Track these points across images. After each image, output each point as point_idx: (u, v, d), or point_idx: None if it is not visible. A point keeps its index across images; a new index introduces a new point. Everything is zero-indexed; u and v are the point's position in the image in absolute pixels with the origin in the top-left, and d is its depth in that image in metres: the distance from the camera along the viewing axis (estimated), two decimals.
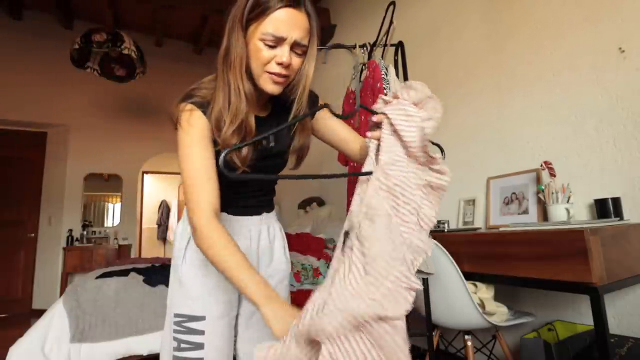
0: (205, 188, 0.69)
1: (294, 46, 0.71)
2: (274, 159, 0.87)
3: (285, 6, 0.68)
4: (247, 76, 0.73)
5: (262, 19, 0.68)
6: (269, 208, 0.96)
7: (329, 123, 0.89)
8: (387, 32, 1.75)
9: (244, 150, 0.76)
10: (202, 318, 0.80)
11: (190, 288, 0.82)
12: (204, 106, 0.74)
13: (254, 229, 0.91)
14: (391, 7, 1.75)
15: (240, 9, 0.70)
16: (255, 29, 0.70)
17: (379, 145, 0.65)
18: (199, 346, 0.79)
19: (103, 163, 4.54)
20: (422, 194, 0.62)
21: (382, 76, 1.59)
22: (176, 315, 0.81)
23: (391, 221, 0.59)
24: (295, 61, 0.73)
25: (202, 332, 0.79)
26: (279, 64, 0.70)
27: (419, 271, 1.49)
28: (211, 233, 0.67)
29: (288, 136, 0.87)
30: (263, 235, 0.92)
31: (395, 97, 0.65)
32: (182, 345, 0.78)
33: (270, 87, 0.73)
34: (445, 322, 1.54)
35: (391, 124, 0.62)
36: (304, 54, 0.75)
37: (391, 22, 1.72)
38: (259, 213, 0.92)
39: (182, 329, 0.80)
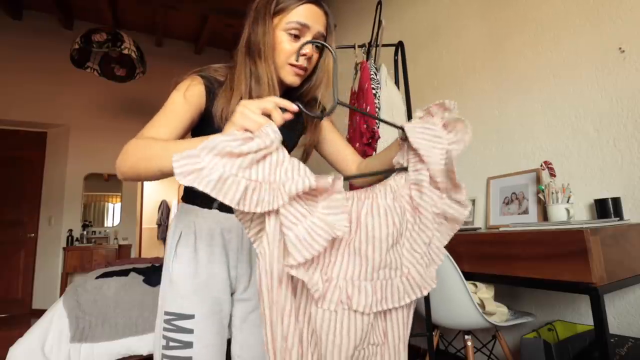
0: (159, 130, 0.68)
1: (315, 39, 0.74)
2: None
3: (308, 2, 0.74)
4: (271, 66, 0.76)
5: (286, 12, 0.73)
6: None
7: (330, 136, 0.91)
8: (377, 32, 1.76)
9: None
10: (192, 316, 0.79)
11: (180, 286, 0.81)
12: (211, 82, 0.77)
13: None
14: (379, 7, 1.75)
15: (266, 4, 0.74)
16: (279, 21, 0.74)
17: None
18: (188, 345, 0.78)
19: (103, 163, 4.54)
20: (436, 224, 0.57)
21: (371, 76, 1.59)
22: (166, 313, 0.80)
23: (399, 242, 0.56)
24: (315, 56, 0.77)
25: (191, 331, 0.78)
26: (303, 54, 0.74)
27: None
28: (139, 140, 0.64)
29: (299, 132, 0.89)
30: None
31: (429, 113, 0.61)
32: (171, 344, 0.78)
33: (291, 78, 0.76)
34: (445, 322, 1.54)
35: (408, 142, 0.59)
36: (319, 50, 0.78)
37: (380, 22, 1.72)
38: None
39: (171, 327, 0.79)
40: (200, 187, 0.45)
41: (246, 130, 0.50)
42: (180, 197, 0.92)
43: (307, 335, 0.52)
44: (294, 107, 0.55)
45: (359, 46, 1.82)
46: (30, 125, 4.30)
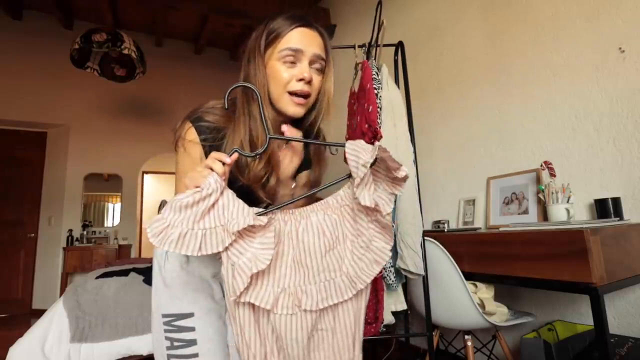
0: None
1: (313, 62, 0.73)
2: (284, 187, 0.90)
3: (299, 26, 0.72)
4: (268, 103, 0.73)
5: (277, 41, 0.72)
6: None
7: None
8: (378, 32, 1.76)
9: (272, 182, 0.77)
10: (191, 315, 0.81)
11: (175, 287, 0.83)
12: (211, 132, 0.74)
13: None
14: (379, 7, 1.75)
15: (257, 39, 0.73)
16: (272, 52, 0.72)
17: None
18: (192, 342, 0.80)
19: (103, 163, 4.54)
20: (375, 227, 0.65)
21: (373, 76, 1.59)
22: (164, 316, 0.82)
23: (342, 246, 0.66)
24: (316, 79, 0.74)
25: (192, 329, 0.81)
26: (301, 79, 0.71)
27: (407, 272, 1.49)
28: None
29: (302, 164, 0.87)
30: None
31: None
32: (175, 344, 0.80)
33: (292, 109, 0.73)
34: (445, 322, 1.54)
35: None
36: (322, 72, 0.76)
37: (381, 22, 1.72)
38: None
39: (172, 328, 0.81)
40: (165, 247, 0.55)
41: (196, 187, 0.59)
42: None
43: (269, 334, 0.66)
44: (227, 159, 0.61)
45: (359, 46, 1.82)
46: (30, 125, 4.30)
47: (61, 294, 2.66)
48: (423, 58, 2.43)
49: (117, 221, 4.71)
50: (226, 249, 0.59)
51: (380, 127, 1.53)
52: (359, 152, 0.61)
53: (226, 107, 0.66)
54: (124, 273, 2.12)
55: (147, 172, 5.90)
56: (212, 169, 0.60)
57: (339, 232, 0.67)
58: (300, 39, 0.71)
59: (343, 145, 0.65)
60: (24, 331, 1.76)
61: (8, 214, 4.15)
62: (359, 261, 0.65)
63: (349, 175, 0.66)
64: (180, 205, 0.57)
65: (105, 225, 4.66)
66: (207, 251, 0.57)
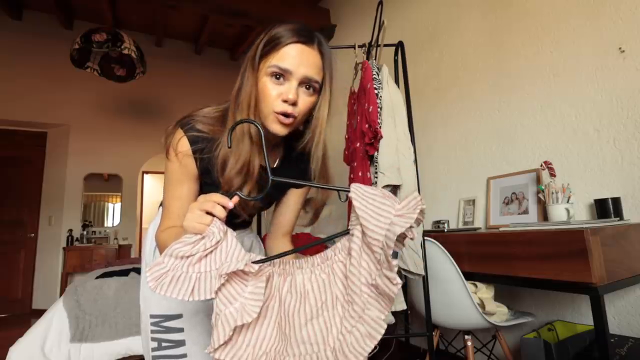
0: (171, 219, 0.74)
1: (303, 83, 0.68)
2: (269, 203, 0.92)
3: (296, 42, 0.66)
4: (256, 117, 0.70)
5: (272, 54, 0.66)
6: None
7: (293, 201, 0.90)
8: (379, 32, 1.76)
9: (251, 202, 0.77)
10: (180, 316, 0.82)
11: None
12: (204, 142, 0.71)
13: (246, 240, 0.98)
14: (380, 7, 1.75)
15: (254, 47, 0.69)
16: (264, 64, 0.67)
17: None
18: (180, 343, 0.81)
19: (103, 163, 4.54)
20: (370, 292, 0.54)
21: (373, 76, 1.59)
22: (152, 317, 0.83)
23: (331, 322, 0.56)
24: (305, 100, 0.69)
25: (181, 330, 0.81)
26: (285, 101, 0.66)
27: (407, 272, 1.49)
28: (160, 237, 0.73)
29: (288, 186, 0.88)
30: (254, 245, 1.00)
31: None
32: (164, 344, 0.81)
33: (276, 127, 0.68)
34: (445, 322, 1.54)
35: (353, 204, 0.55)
36: (316, 94, 0.70)
37: (382, 22, 1.72)
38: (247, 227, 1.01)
39: (160, 329, 0.82)
40: (160, 291, 0.53)
41: (197, 233, 0.55)
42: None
43: None
44: (229, 204, 0.58)
45: (359, 46, 1.82)
46: (30, 125, 4.30)
47: (61, 294, 2.66)
48: (423, 58, 2.43)
49: (117, 221, 4.71)
50: (216, 294, 0.54)
51: (380, 127, 1.53)
52: (388, 206, 0.51)
53: (229, 145, 0.61)
54: (124, 273, 2.12)
55: (147, 172, 5.90)
56: (212, 214, 0.56)
57: (327, 295, 0.57)
58: (294, 57, 0.65)
59: (348, 190, 0.56)
60: (24, 331, 1.76)
61: (8, 214, 4.15)
62: (348, 334, 0.53)
63: (347, 232, 0.57)
64: (183, 255, 0.54)
65: (105, 225, 4.66)
66: (200, 297, 0.53)
